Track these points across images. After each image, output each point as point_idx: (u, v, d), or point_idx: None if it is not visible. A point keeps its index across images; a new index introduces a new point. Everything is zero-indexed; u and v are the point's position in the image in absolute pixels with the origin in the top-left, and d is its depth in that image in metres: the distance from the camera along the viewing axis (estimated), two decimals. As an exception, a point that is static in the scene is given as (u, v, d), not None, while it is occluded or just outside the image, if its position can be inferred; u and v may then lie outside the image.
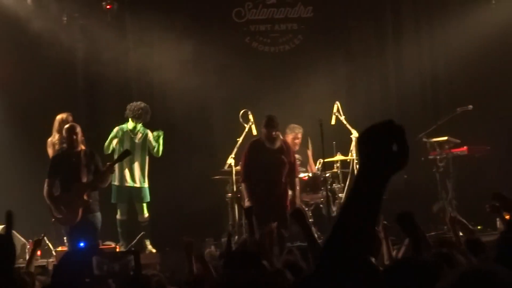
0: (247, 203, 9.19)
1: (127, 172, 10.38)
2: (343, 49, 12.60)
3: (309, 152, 11.15)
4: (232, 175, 10.20)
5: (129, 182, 10.40)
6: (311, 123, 10.36)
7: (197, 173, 11.26)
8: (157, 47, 11.81)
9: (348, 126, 10.46)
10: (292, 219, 5.18)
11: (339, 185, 10.66)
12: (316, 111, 10.44)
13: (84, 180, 8.82)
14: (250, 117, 10.36)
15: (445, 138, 10.92)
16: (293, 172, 9.60)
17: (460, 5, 12.28)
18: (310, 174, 10.64)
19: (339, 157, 10.65)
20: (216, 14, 12.43)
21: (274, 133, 9.37)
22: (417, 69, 12.52)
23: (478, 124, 11.33)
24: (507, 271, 1.76)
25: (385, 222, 5.95)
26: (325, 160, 10.40)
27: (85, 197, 8.76)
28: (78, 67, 11.87)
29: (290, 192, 9.67)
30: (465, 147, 11.01)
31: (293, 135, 10.75)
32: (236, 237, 10.02)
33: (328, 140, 10.13)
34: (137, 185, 10.42)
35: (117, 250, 9.60)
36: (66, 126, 9.22)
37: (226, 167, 10.36)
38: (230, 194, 10.54)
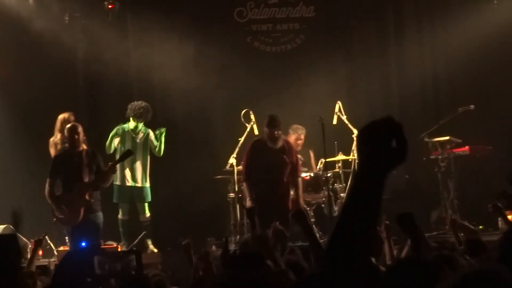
0: (248, 203, 9.19)
1: (128, 172, 10.38)
2: (345, 48, 12.60)
3: (311, 153, 11.15)
4: (233, 175, 10.20)
5: (130, 182, 10.40)
6: (312, 122, 10.36)
7: (199, 172, 11.26)
8: (159, 47, 11.81)
9: (349, 125, 10.45)
10: (294, 220, 5.18)
11: (340, 185, 10.66)
12: (317, 111, 10.43)
13: (86, 180, 8.82)
14: (252, 116, 10.36)
15: (447, 138, 10.92)
16: (295, 172, 9.60)
17: (461, 5, 12.27)
18: (312, 174, 10.64)
19: (340, 156, 10.65)
20: (218, 13, 12.43)
21: (276, 132, 9.37)
22: (419, 69, 12.50)
23: (480, 124, 11.31)
24: (510, 271, 1.76)
25: (387, 222, 5.95)
26: (327, 160, 10.40)
27: (87, 197, 8.76)
28: (79, 66, 11.87)
29: (292, 192, 9.68)
30: (466, 147, 11.00)
31: (296, 136, 10.75)
32: (238, 236, 10.03)
33: (329, 140, 10.12)
34: (139, 184, 10.42)
35: (119, 249, 9.60)
36: (68, 125, 9.22)
37: (227, 167, 10.36)
38: (232, 194, 10.54)
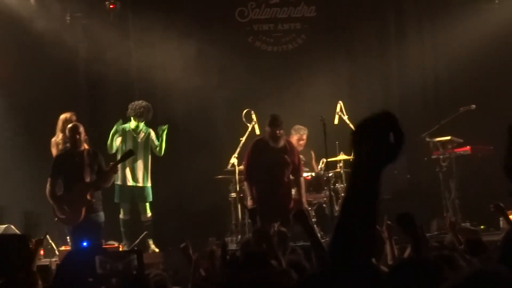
0: (249, 202, 9.20)
1: (129, 172, 10.38)
2: (346, 48, 12.60)
3: (313, 153, 11.15)
4: (235, 175, 10.20)
5: (131, 182, 10.40)
6: (314, 122, 10.36)
7: (200, 172, 11.26)
8: (160, 46, 11.80)
9: (351, 125, 10.44)
10: (295, 220, 5.18)
11: (342, 185, 10.66)
12: (319, 111, 10.43)
13: (87, 179, 8.82)
14: (253, 116, 10.36)
15: (448, 137, 10.91)
16: (298, 172, 9.59)
17: (462, 4, 12.26)
18: (313, 174, 10.64)
19: (342, 156, 10.64)
20: (219, 13, 12.44)
21: (278, 132, 9.37)
22: (420, 69, 12.51)
23: (481, 124, 11.30)
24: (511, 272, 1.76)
25: (389, 222, 5.95)
26: (328, 159, 10.40)
27: (88, 197, 8.76)
28: (80, 66, 11.88)
29: (294, 192, 9.68)
30: (468, 146, 10.99)
31: (298, 136, 10.76)
32: (239, 236, 10.03)
33: (331, 139, 10.12)
34: (140, 184, 10.42)
35: (120, 249, 9.61)
36: (69, 125, 9.21)
37: (229, 167, 10.36)
38: (233, 194, 10.54)
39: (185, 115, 12.00)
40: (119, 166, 9.60)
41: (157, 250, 10.34)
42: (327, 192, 10.37)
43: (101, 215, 9.00)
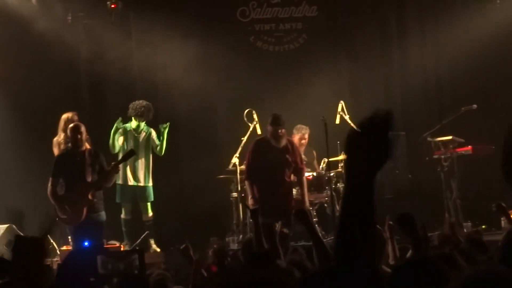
0: (250, 201, 9.20)
1: (130, 172, 10.38)
2: (348, 48, 12.60)
3: (315, 153, 11.15)
4: (236, 175, 10.21)
5: (132, 182, 10.40)
6: (315, 122, 10.36)
7: (202, 172, 11.26)
8: (161, 46, 11.80)
9: (352, 125, 10.44)
10: (296, 218, 5.19)
11: (343, 185, 10.65)
12: (320, 110, 10.43)
13: (89, 179, 8.81)
14: (255, 116, 10.36)
15: (450, 137, 10.91)
16: (300, 172, 9.59)
17: (464, 4, 12.26)
18: (315, 174, 10.64)
19: (343, 156, 10.64)
20: (221, 13, 12.44)
21: (280, 131, 9.36)
22: (421, 69, 12.50)
23: (483, 124, 11.31)
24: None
25: (391, 223, 5.94)
26: (330, 159, 10.40)
27: (89, 197, 8.76)
28: (82, 66, 11.87)
29: (295, 192, 9.69)
30: (469, 146, 10.99)
31: (300, 136, 10.76)
32: (241, 236, 10.03)
33: (332, 139, 10.12)
34: (141, 184, 10.42)
35: (122, 249, 9.60)
36: (71, 125, 9.20)
37: (230, 166, 10.37)
38: (234, 194, 10.54)
39: (187, 115, 12.00)
40: (121, 165, 9.60)
41: (158, 249, 10.34)
42: (329, 192, 10.37)
43: (103, 214, 9.00)
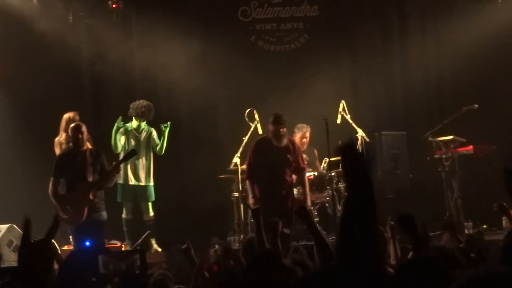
0: (250, 200, 9.19)
1: (131, 171, 10.39)
2: (349, 48, 12.60)
3: (316, 152, 11.15)
4: (237, 174, 10.21)
5: (133, 181, 10.41)
6: (316, 122, 10.35)
7: (203, 172, 11.27)
8: (163, 46, 11.80)
9: (353, 125, 10.45)
10: (297, 217, 5.18)
11: (344, 184, 10.65)
12: (321, 110, 10.42)
13: (90, 179, 8.81)
14: (256, 116, 10.36)
15: (451, 137, 10.91)
16: (301, 172, 9.58)
17: (465, 4, 12.25)
18: (316, 173, 10.64)
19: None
20: (222, 13, 12.44)
21: (281, 130, 9.36)
22: (423, 69, 12.50)
23: (484, 123, 11.31)
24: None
25: (392, 223, 5.94)
26: (331, 159, 10.40)
27: (91, 196, 8.76)
28: (83, 66, 11.89)
29: (295, 191, 9.69)
30: (470, 146, 10.99)
31: (301, 134, 10.76)
32: (242, 235, 10.03)
33: (333, 139, 10.11)
34: (142, 183, 10.43)
35: (123, 249, 9.61)
36: (72, 125, 9.19)
37: (231, 166, 10.37)
38: (235, 193, 10.54)
39: (188, 114, 12.01)
40: (122, 165, 9.61)
41: (159, 249, 10.35)
42: (330, 192, 10.37)
43: (104, 214, 9.00)
